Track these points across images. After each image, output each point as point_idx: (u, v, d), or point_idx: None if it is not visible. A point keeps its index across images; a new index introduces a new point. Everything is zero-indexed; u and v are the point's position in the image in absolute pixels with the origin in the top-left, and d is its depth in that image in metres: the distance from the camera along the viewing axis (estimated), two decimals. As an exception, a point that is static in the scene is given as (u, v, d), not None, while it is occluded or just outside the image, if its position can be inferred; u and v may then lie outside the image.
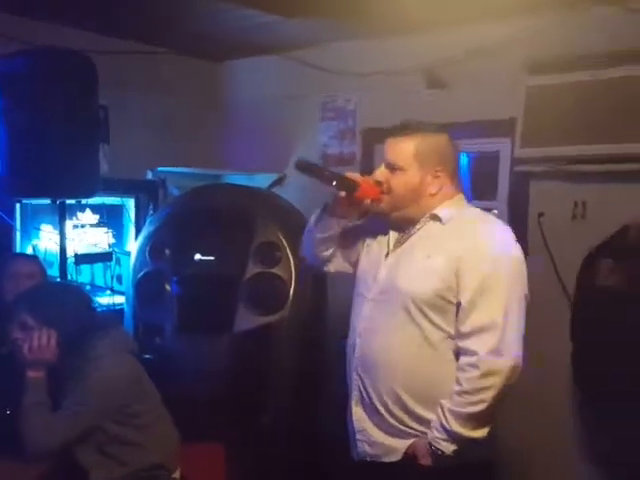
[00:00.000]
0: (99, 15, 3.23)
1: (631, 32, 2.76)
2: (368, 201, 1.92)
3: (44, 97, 2.64)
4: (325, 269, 2.16)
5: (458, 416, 1.76)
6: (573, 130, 2.80)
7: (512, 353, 1.75)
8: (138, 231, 3.69)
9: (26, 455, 1.99)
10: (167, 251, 3.06)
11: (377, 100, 3.56)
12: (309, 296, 3.07)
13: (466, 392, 1.75)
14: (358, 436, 1.95)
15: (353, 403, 1.97)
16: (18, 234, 3.33)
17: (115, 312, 3.36)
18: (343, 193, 1.90)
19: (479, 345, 1.75)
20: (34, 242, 3.41)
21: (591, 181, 2.90)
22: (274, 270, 2.99)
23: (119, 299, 3.49)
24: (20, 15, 3.17)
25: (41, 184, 2.67)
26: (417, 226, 1.91)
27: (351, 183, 1.89)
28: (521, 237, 3.06)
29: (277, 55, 3.86)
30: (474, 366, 1.74)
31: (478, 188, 3.44)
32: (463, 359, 1.78)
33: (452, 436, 1.77)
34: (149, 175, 3.77)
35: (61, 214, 2.96)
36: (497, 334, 1.74)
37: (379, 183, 1.91)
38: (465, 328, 1.78)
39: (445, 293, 1.79)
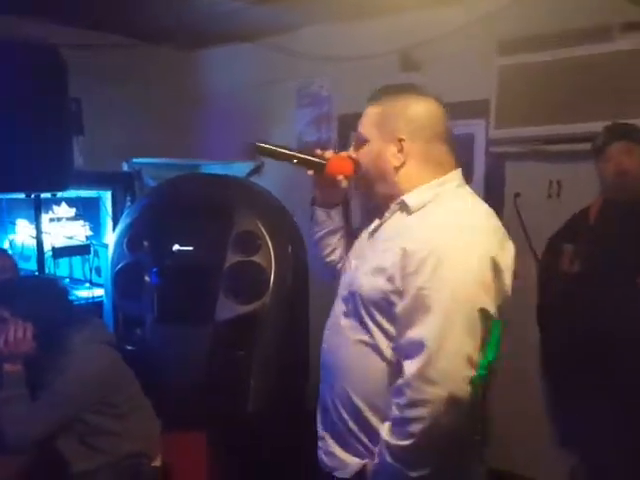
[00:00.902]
0: (68, 6, 3.18)
1: (599, 9, 2.76)
2: (341, 178, 1.68)
3: (12, 91, 2.61)
4: (336, 277, 1.82)
5: (391, 448, 1.48)
6: (546, 110, 2.82)
7: (447, 382, 1.40)
8: (115, 223, 3.67)
9: (6, 447, 2.00)
10: (145, 242, 3.05)
11: (352, 85, 3.53)
12: (290, 284, 3.07)
13: (397, 421, 1.47)
14: (319, 443, 1.74)
15: (318, 408, 1.76)
16: (-7, 229, 3.31)
17: (95, 305, 3.35)
18: (311, 172, 1.71)
19: (408, 368, 1.44)
20: (10, 237, 3.38)
21: (566, 160, 2.92)
22: (254, 258, 2.98)
23: (98, 292, 3.48)
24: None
25: (12, 178, 2.64)
26: (387, 214, 1.63)
27: (314, 160, 1.69)
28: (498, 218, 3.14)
29: (250, 42, 3.83)
30: (401, 392, 1.45)
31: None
32: (399, 379, 1.47)
33: (387, 468, 1.50)
34: (125, 167, 3.74)
35: (37, 208, 2.94)
36: (425, 358, 1.41)
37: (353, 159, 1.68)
38: (398, 340, 1.49)
39: (391, 295, 1.50)
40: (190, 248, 3.04)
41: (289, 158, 1.70)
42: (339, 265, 1.83)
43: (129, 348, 2.90)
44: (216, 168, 3.87)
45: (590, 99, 2.72)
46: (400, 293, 1.48)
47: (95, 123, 3.43)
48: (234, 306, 2.94)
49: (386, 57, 3.35)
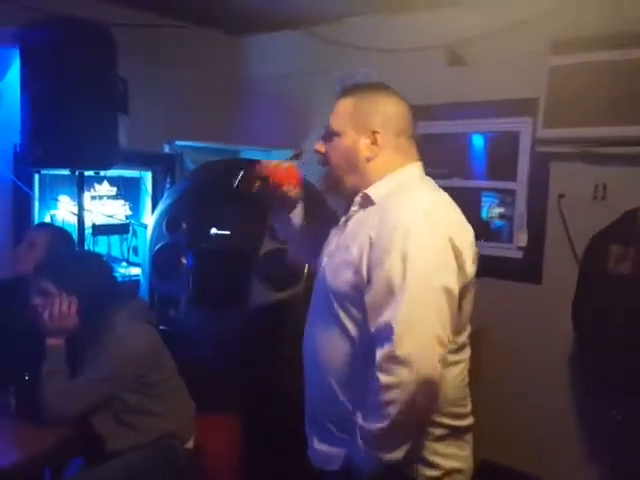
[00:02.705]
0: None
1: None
2: (290, 187, 1.72)
3: (64, 68, 2.64)
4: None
5: (365, 433, 1.50)
6: (596, 111, 2.77)
7: (418, 363, 1.42)
8: (154, 204, 3.70)
9: (43, 421, 2.01)
10: (184, 224, 3.07)
11: (396, 76, 3.45)
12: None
13: (372, 405, 1.49)
14: (308, 442, 1.76)
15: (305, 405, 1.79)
16: (36, 204, 3.35)
17: (131, 283, 3.38)
18: (257, 184, 1.72)
19: (379, 353, 1.46)
20: (52, 212, 3.43)
21: (612, 163, 2.88)
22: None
23: (135, 270, 3.52)
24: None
25: (61, 155, 2.67)
26: (352, 209, 1.66)
27: (255, 174, 1.71)
28: (540, 218, 3.10)
29: (297, 30, 3.82)
30: (376, 377, 1.46)
31: (497, 168, 3.42)
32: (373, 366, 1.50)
33: (364, 454, 1.51)
34: (166, 148, 3.77)
35: (79, 185, 2.96)
36: (395, 339, 1.43)
37: (318, 154, 1.70)
38: (371, 328, 1.51)
39: (359, 287, 1.54)
40: (227, 232, 3.05)
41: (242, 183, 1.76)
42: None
43: (162, 328, 2.93)
44: (256, 154, 3.88)
45: (642, 102, 2.66)
46: (367, 282, 1.52)
47: (139, 103, 3.45)
48: (268, 292, 2.94)
49: (432, 51, 3.32)
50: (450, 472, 1.61)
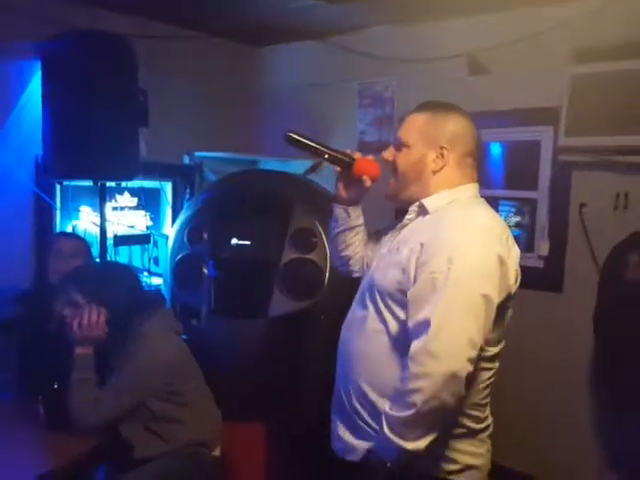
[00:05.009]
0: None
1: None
2: (367, 180, 1.81)
3: (86, 80, 2.67)
4: (349, 270, 2.03)
5: (390, 420, 1.59)
6: (618, 120, 2.75)
7: (448, 359, 1.52)
8: (175, 214, 3.73)
9: (72, 430, 2.03)
10: (205, 235, 3.08)
11: (417, 86, 3.52)
12: (344, 282, 3.06)
13: (399, 393, 1.59)
14: (332, 429, 1.87)
15: (333, 398, 1.90)
16: (58, 214, 3.39)
17: (158, 292, 3.39)
18: (338, 169, 1.82)
19: (414, 344, 1.57)
20: (74, 223, 3.46)
21: (635, 173, 2.86)
22: (310, 256, 2.99)
23: (156, 280, 3.54)
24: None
25: (83, 166, 2.70)
26: (407, 217, 1.79)
27: (345, 158, 1.79)
28: (562, 227, 3.08)
29: (316, 40, 3.85)
30: (407, 366, 1.58)
31: (516, 177, 3.40)
32: (407, 357, 1.61)
33: (386, 442, 1.60)
34: (186, 159, 3.80)
35: (101, 196, 2.99)
36: (430, 334, 1.54)
37: (386, 161, 1.80)
38: (409, 324, 1.62)
39: (404, 286, 1.65)
40: (248, 242, 3.06)
41: (320, 153, 1.78)
42: (352, 261, 2.00)
43: (184, 337, 2.94)
44: (274, 164, 3.89)
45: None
46: (412, 281, 1.63)
47: (159, 115, 3.48)
48: (288, 302, 2.95)
49: (454, 60, 3.33)
50: (466, 468, 1.71)
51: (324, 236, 3.01)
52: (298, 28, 3.67)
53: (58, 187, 3.35)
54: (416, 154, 1.74)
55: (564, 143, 2.94)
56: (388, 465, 1.61)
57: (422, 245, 1.63)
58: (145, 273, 3.66)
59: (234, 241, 3.06)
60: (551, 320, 3.15)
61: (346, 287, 3.02)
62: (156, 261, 3.72)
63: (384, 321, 1.70)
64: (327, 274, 2.98)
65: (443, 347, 1.53)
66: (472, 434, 1.72)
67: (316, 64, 3.94)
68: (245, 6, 3.30)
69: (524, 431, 3.17)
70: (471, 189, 1.77)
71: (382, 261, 1.77)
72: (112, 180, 2.94)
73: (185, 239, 3.12)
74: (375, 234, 2.00)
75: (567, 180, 3.07)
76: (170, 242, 3.24)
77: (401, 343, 1.66)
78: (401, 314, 1.67)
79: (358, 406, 1.75)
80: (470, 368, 1.54)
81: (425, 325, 1.55)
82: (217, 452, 2.30)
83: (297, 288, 2.96)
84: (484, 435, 1.76)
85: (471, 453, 1.72)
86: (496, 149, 3.49)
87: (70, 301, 2.10)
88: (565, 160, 3.00)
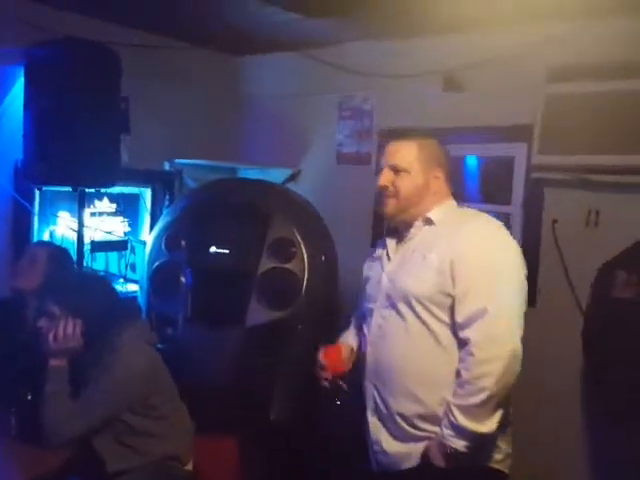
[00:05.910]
0: (122, 7, 3.24)
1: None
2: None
3: (68, 87, 2.67)
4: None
5: (462, 409, 1.75)
6: (590, 139, 2.81)
7: (508, 339, 1.75)
8: (153, 221, 3.73)
9: (45, 443, 2.01)
10: (183, 242, 3.09)
11: (395, 101, 3.58)
12: (321, 293, 3.09)
13: (466, 382, 1.75)
14: (375, 447, 1.98)
15: (369, 413, 2.00)
16: (36, 220, 3.37)
17: (133, 302, 3.38)
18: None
19: (473, 333, 1.76)
20: (51, 228, 3.45)
21: (606, 190, 2.92)
22: (288, 266, 3.01)
23: (132, 287, 3.53)
24: (46, 4, 3.19)
25: (64, 172, 2.70)
26: (412, 230, 2.00)
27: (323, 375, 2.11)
28: (534, 242, 3.15)
29: (296, 52, 3.87)
30: (470, 354, 1.75)
31: (490, 192, 3.46)
32: (462, 350, 1.80)
33: (460, 431, 1.75)
34: (166, 166, 3.80)
35: (80, 202, 2.98)
36: (489, 321, 1.75)
37: (383, 188, 2.00)
38: (460, 318, 1.81)
39: (443, 287, 1.83)
40: (226, 251, 3.07)
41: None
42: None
43: (159, 346, 2.93)
44: (254, 173, 3.92)
45: (636, 132, 2.71)
46: (450, 283, 1.82)
47: (139, 122, 3.49)
48: (265, 312, 2.96)
49: (430, 76, 3.37)
50: (508, 457, 1.92)
51: (302, 246, 3.04)
52: (279, 40, 3.69)
53: (37, 192, 3.33)
54: (418, 179, 1.97)
55: (537, 161, 2.99)
56: (460, 451, 1.74)
57: (453, 251, 1.84)
58: (121, 280, 3.65)
59: (212, 249, 3.07)
60: (526, 333, 3.18)
61: (323, 297, 3.10)
62: (133, 268, 3.71)
63: (425, 322, 1.86)
64: (305, 284, 3.00)
65: (502, 330, 1.75)
66: (506, 425, 1.89)
67: (296, 75, 3.97)
68: (226, 16, 3.32)
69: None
70: (453, 201, 2.05)
71: (401, 271, 1.95)
72: (92, 187, 2.94)
73: (163, 246, 3.12)
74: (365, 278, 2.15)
75: (540, 196, 3.13)
76: (148, 249, 3.23)
77: (446, 340, 1.84)
78: (440, 314, 1.85)
79: (405, 411, 1.88)
80: (521, 347, 1.77)
81: (481, 314, 1.75)
82: (189, 466, 2.28)
83: (274, 297, 2.97)
84: (509, 428, 1.94)
85: (507, 442, 1.92)
86: (472, 163, 3.55)
87: (46, 312, 2.09)
88: (538, 177, 3.07)
